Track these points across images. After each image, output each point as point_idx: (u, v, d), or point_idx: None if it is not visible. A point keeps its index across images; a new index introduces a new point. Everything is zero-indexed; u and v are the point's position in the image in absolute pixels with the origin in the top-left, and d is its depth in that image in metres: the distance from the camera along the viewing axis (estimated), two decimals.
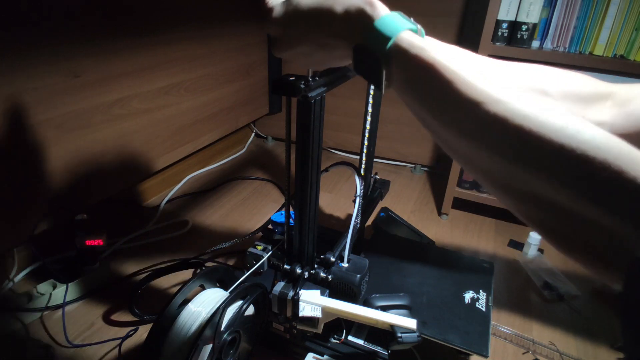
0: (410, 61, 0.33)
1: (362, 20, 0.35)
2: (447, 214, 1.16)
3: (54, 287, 0.76)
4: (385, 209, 0.97)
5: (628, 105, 0.46)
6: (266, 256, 0.65)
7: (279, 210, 0.73)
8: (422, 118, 0.35)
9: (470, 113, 0.30)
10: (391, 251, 0.78)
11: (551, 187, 0.27)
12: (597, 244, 0.27)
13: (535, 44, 0.97)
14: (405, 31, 0.34)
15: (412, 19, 0.36)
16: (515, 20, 0.95)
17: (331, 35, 0.38)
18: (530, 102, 0.29)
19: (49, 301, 0.74)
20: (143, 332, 0.71)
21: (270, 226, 0.72)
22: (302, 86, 0.48)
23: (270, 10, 0.41)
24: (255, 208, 1.14)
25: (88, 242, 0.79)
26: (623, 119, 0.46)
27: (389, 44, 0.34)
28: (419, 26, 0.36)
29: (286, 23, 0.41)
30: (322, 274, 0.61)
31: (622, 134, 0.46)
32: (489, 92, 0.30)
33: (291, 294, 0.57)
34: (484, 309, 0.65)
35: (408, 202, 1.23)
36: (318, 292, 0.58)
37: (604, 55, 0.91)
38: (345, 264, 0.62)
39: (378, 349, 0.63)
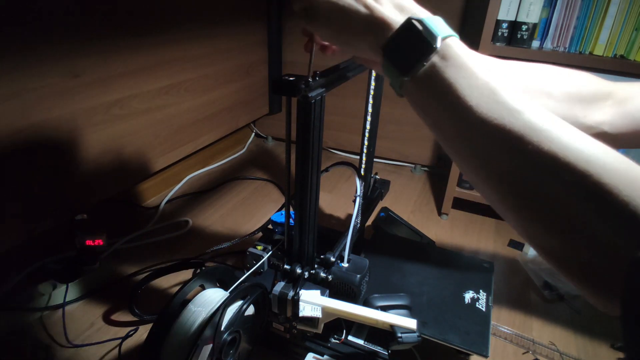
0: (458, 58, 0.32)
1: (408, 9, 0.35)
2: (447, 214, 1.16)
3: (54, 287, 0.75)
4: (385, 209, 0.97)
5: (627, 104, 0.46)
6: (266, 256, 0.65)
7: (279, 210, 0.73)
8: (441, 121, 0.34)
9: (509, 119, 0.30)
10: (391, 251, 0.78)
11: (566, 204, 0.27)
12: (597, 262, 0.27)
13: (535, 44, 0.97)
14: (453, 37, 0.34)
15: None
16: (515, 20, 0.95)
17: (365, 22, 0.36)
18: (552, 117, 0.30)
19: (49, 301, 0.74)
20: (143, 332, 0.71)
21: (270, 226, 0.72)
22: (302, 86, 0.48)
23: None
24: (255, 208, 1.14)
25: (88, 242, 0.79)
26: (622, 117, 0.46)
27: (441, 37, 0.33)
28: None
29: None
30: (322, 274, 0.61)
31: (621, 132, 0.47)
32: (526, 103, 0.30)
33: (291, 294, 0.57)
34: (484, 309, 0.65)
35: (408, 202, 1.23)
36: (318, 292, 0.58)
37: (604, 55, 0.91)
38: (345, 264, 0.62)
39: (378, 349, 0.63)
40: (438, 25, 0.33)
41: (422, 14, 0.35)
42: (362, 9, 0.36)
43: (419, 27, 0.33)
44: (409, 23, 0.34)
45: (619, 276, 0.25)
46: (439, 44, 0.32)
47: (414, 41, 0.34)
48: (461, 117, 0.32)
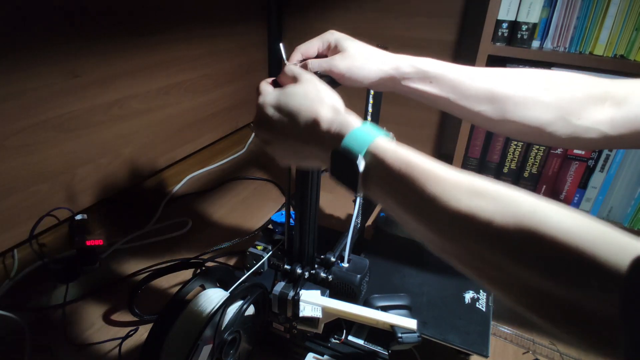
0: (386, 164, 0.34)
1: (336, 131, 0.38)
2: None
3: (54, 287, 0.75)
4: None
5: (626, 104, 0.46)
6: (266, 256, 0.65)
7: (279, 210, 0.73)
8: (404, 220, 0.36)
9: (442, 209, 0.31)
10: (391, 251, 0.78)
11: (532, 275, 0.27)
12: (587, 324, 0.27)
13: (536, 44, 0.97)
14: (379, 137, 0.36)
15: (384, 129, 0.39)
16: (515, 20, 0.95)
17: (306, 142, 0.40)
18: (498, 191, 0.30)
19: (49, 301, 0.74)
20: (143, 332, 0.71)
21: (270, 226, 0.72)
22: None
23: (261, 107, 0.43)
24: (256, 208, 1.14)
25: (88, 242, 0.79)
26: (622, 118, 0.46)
27: (365, 150, 0.35)
28: (391, 134, 0.39)
29: (269, 118, 0.42)
30: (323, 274, 0.61)
31: (621, 133, 0.46)
32: (460, 188, 0.31)
33: (291, 294, 0.57)
34: (484, 309, 0.65)
35: None
36: (318, 292, 0.58)
37: (604, 55, 0.91)
38: (345, 264, 0.62)
39: (378, 349, 0.63)
40: (358, 139, 0.36)
41: (349, 124, 0.38)
42: (307, 148, 0.41)
43: (344, 152, 0.36)
44: (333, 155, 0.38)
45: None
46: (361, 166, 0.35)
47: (345, 168, 0.37)
48: (414, 213, 0.34)
